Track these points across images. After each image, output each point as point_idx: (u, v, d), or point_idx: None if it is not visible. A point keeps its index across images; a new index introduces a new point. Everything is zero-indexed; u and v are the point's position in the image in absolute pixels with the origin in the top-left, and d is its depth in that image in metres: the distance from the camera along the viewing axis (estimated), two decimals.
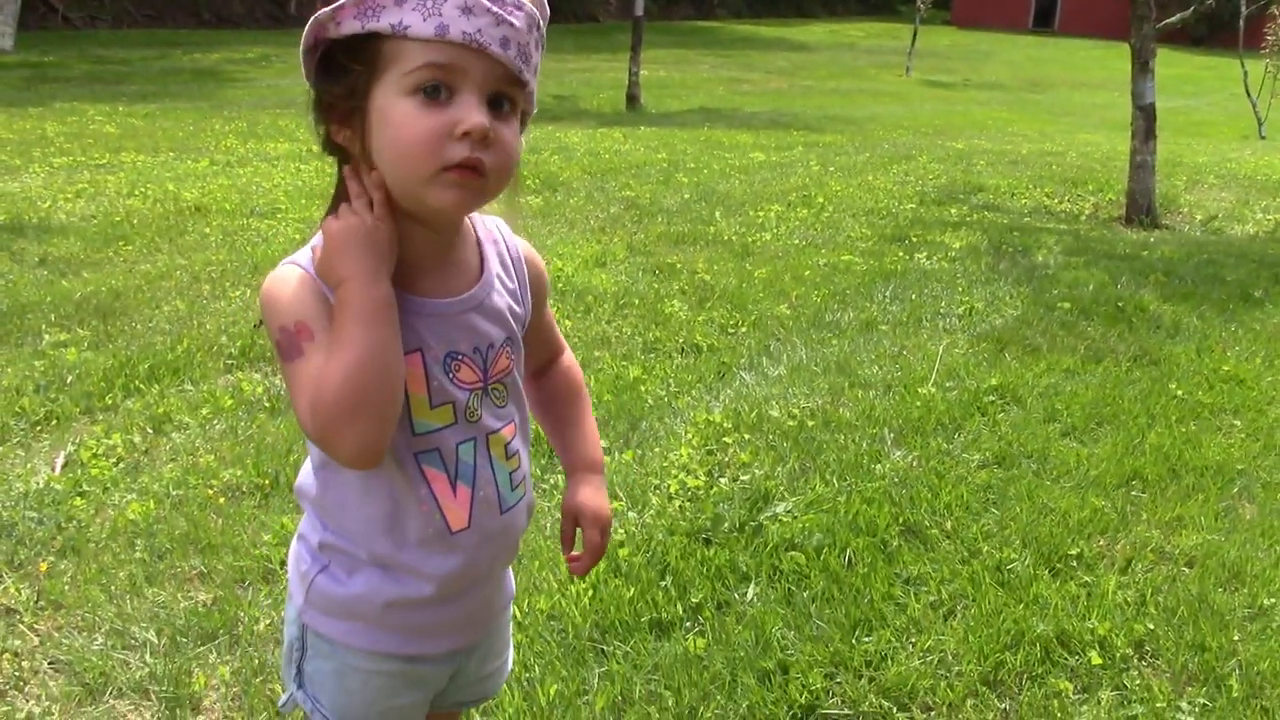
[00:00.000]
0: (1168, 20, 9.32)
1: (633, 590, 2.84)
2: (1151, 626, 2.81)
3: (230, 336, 4.63)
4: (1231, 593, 3.00)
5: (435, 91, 1.24)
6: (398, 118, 1.25)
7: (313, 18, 1.25)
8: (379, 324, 1.26)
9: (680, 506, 3.34)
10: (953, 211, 8.54)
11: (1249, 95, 16.00)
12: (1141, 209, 8.65)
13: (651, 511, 3.31)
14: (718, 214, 7.84)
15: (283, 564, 2.89)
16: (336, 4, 1.23)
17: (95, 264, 5.79)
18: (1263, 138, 15.75)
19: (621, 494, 3.40)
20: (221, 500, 3.24)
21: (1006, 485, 3.58)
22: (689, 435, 3.87)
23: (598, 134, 12.27)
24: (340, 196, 1.33)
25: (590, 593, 2.82)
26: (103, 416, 3.87)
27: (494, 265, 1.44)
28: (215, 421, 3.84)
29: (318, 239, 1.32)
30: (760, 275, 6.09)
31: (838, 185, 9.33)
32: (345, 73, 1.27)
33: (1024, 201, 9.33)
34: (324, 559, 1.43)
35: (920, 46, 26.61)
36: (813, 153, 11.45)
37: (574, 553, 1.61)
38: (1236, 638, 2.78)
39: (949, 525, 3.29)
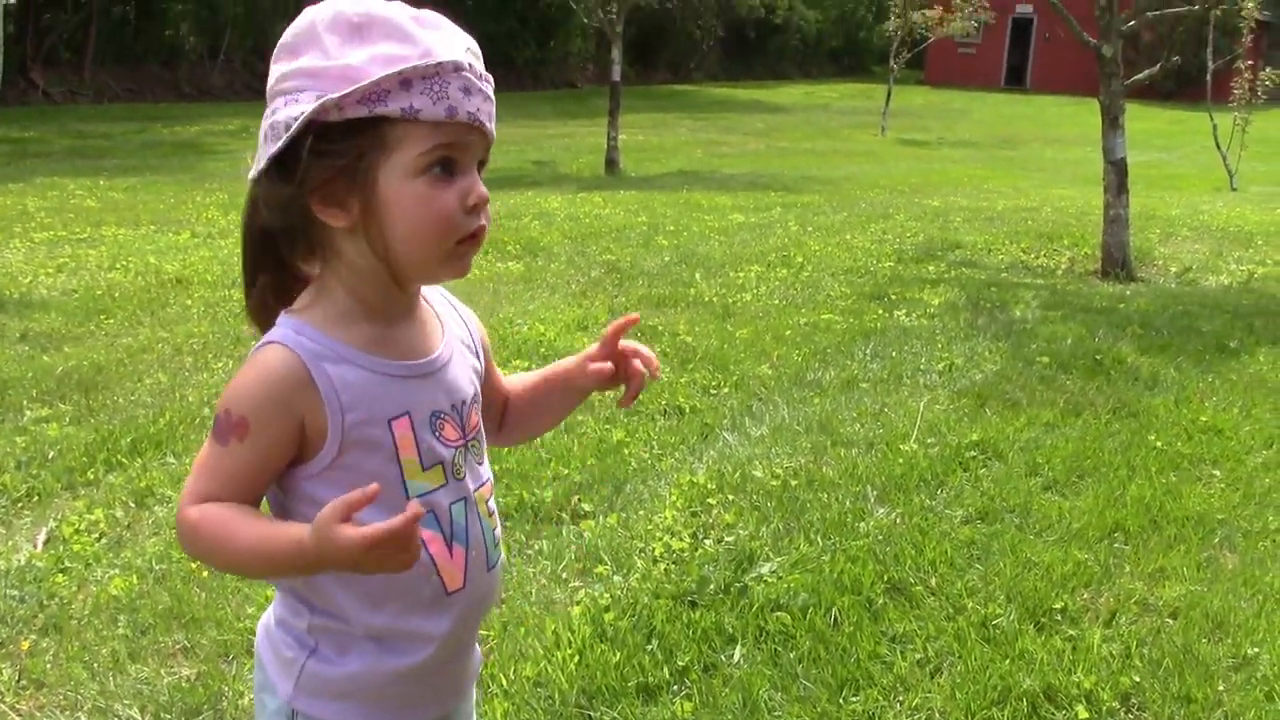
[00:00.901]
0: (1136, 77, 9.48)
1: (619, 655, 2.83)
2: (1137, 679, 2.82)
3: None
4: (1216, 643, 3.02)
5: (446, 169, 1.29)
6: (412, 198, 1.28)
7: (318, 103, 1.23)
8: (276, 570, 1.34)
9: (665, 569, 3.35)
10: (931, 269, 8.61)
11: (1219, 148, 16.21)
12: (1117, 262, 8.74)
13: (637, 575, 3.31)
14: (698, 276, 7.89)
15: None
16: (343, 92, 1.23)
17: (77, 338, 5.79)
18: (1234, 189, 15.94)
19: (606, 558, 3.40)
20: (204, 574, 3.23)
21: (990, 540, 3.59)
22: (673, 497, 3.88)
23: (578, 198, 12.36)
24: (262, 289, 1.38)
25: (576, 659, 2.82)
26: (85, 492, 3.86)
27: (451, 322, 1.48)
28: None
29: (303, 323, 1.33)
30: (741, 336, 6.13)
31: (816, 245, 9.41)
32: (334, 154, 1.27)
33: (1001, 257, 9.42)
34: (311, 642, 1.40)
35: (894, 106, 26.92)
36: (791, 213, 11.55)
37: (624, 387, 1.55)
38: (1222, 688, 2.79)
39: (934, 582, 3.30)
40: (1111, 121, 8.82)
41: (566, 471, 4.06)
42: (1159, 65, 9.73)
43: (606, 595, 3.16)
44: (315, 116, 1.24)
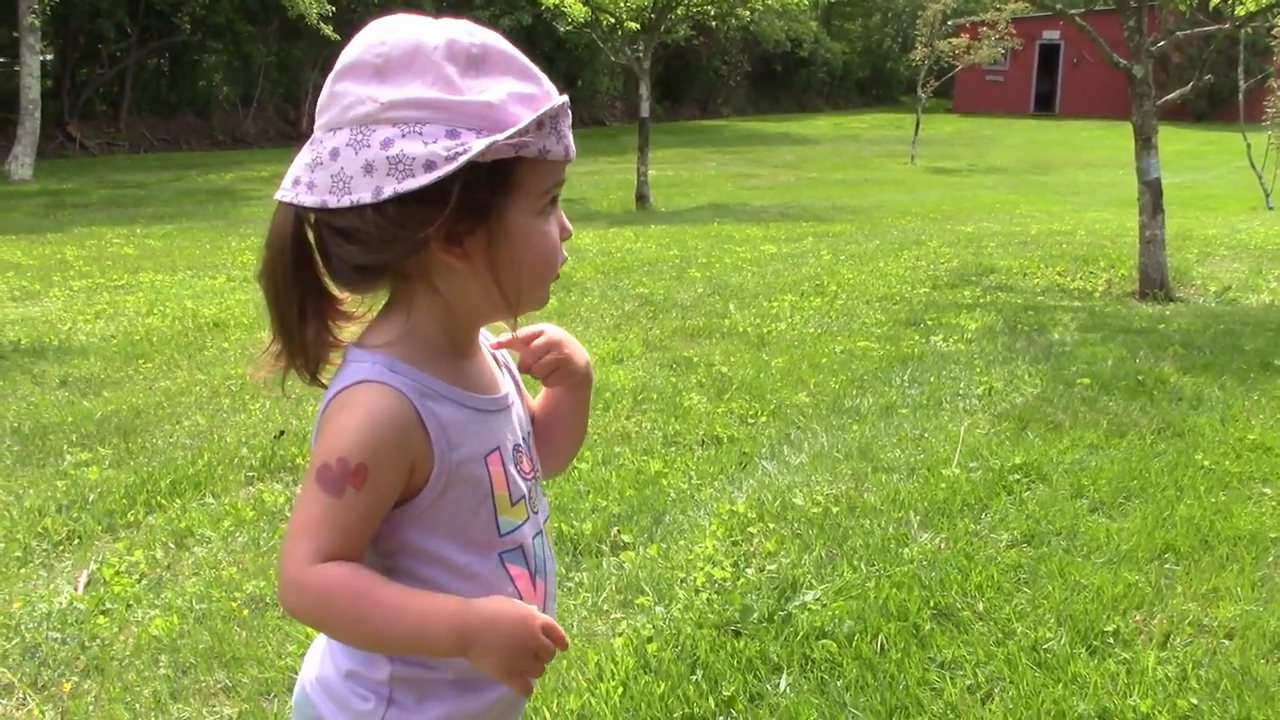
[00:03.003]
0: (1168, 97, 9.42)
1: (663, 686, 2.79)
2: (1195, 701, 2.74)
3: (251, 449, 4.63)
4: (1274, 663, 2.94)
5: (554, 204, 1.31)
6: (535, 233, 1.28)
7: (484, 144, 1.19)
8: (412, 646, 1.27)
9: (708, 599, 3.30)
10: (966, 294, 8.56)
11: (1254, 167, 16.08)
12: (1155, 283, 8.65)
13: (679, 605, 3.27)
14: (732, 306, 7.87)
15: None
16: (506, 135, 1.20)
17: (115, 383, 5.83)
18: (1270, 208, 15.80)
19: (648, 589, 3.36)
20: (245, 613, 3.22)
21: (1037, 564, 3.53)
22: (713, 527, 3.84)
23: (609, 234, 12.38)
24: (313, 319, 1.31)
25: (620, 690, 2.78)
26: (125, 534, 3.86)
27: (491, 355, 1.46)
28: (237, 534, 3.83)
29: (392, 358, 1.28)
30: (777, 365, 6.09)
31: (849, 273, 9.37)
32: (476, 193, 1.22)
33: (1036, 281, 9.35)
34: (387, 691, 1.34)
35: (923, 135, 26.91)
36: (823, 242, 11.53)
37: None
38: None
39: (981, 606, 3.24)
40: (1145, 142, 8.76)
41: (605, 503, 4.03)
42: (1191, 84, 9.65)
43: (649, 626, 3.12)
44: (475, 159, 1.19)
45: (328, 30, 21.93)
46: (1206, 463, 4.46)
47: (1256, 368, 6.00)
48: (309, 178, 1.23)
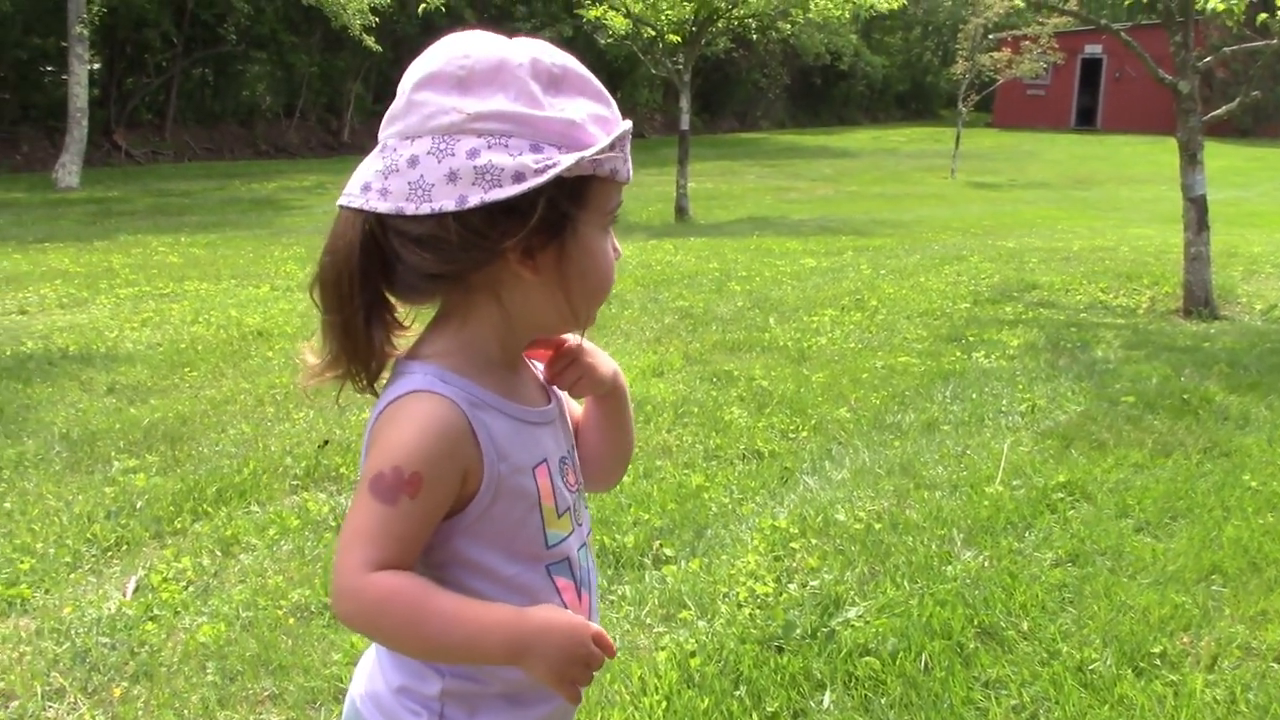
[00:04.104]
0: (1214, 112, 9.34)
1: (707, 701, 2.79)
2: None
3: (295, 457, 4.68)
4: None
5: (611, 225, 1.35)
6: (600, 251, 1.32)
7: (573, 160, 1.22)
8: (466, 655, 1.28)
9: (750, 614, 3.30)
10: (1008, 310, 8.51)
11: None
12: (1199, 301, 8.57)
13: (721, 620, 3.27)
14: (772, 320, 7.87)
15: None
16: (592, 151, 1.23)
17: (162, 391, 5.90)
18: None
19: (690, 603, 3.37)
20: (291, 621, 3.25)
21: (1082, 583, 3.51)
22: (755, 542, 3.84)
23: (648, 246, 12.39)
24: (370, 327, 1.30)
25: (664, 704, 2.78)
26: (172, 540, 3.91)
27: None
28: (283, 542, 3.86)
29: (444, 369, 1.29)
30: (818, 380, 6.08)
31: (890, 288, 9.34)
32: (559, 208, 1.25)
33: (1079, 298, 9.28)
34: (438, 706, 1.34)
35: (964, 149, 26.78)
36: (863, 256, 11.50)
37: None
38: None
39: (1026, 626, 3.23)
40: (1190, 158, 8.68)
41: (647, 516, 4.04)
42: (1237, 100, 9.57)
43: (692, 640, 3.13)
44: (561, 173, 1.22)
45: (370, 41, 22.12)
46: (1254, 483, 4.41)
47: None
48: (381, 184, 1.23)
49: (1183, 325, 8.18)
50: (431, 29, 31.86)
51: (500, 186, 1.20)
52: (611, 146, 1.25)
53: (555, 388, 1.46)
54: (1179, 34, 8.79)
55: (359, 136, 30.53)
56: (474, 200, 1.20)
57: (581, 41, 28.48)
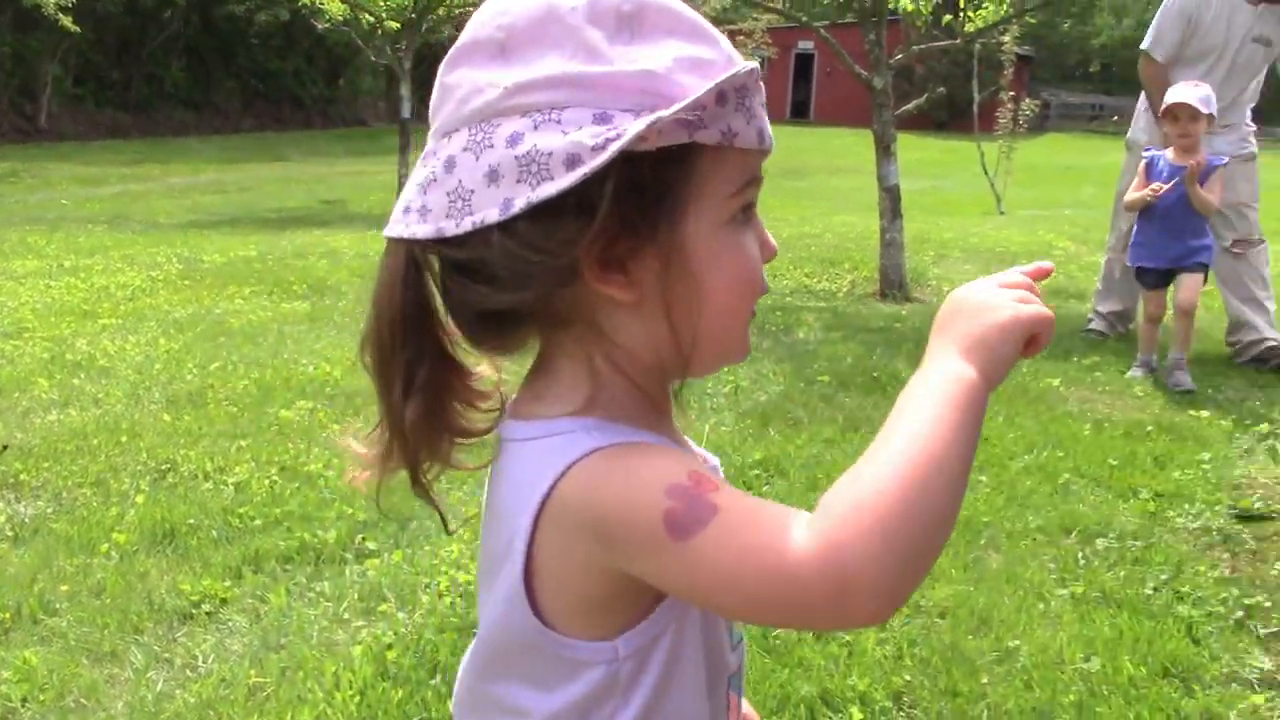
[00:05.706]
0: (904, 107, 9.94)
1: (401, 692, 2.78)
2: (908, 678, 2.93)
3: None
4: (980, 638, 3.16)
5: (746, 211, 0.99)
6: (728, 253, 0.97)
7: (639, 125, 0.87)
8: (973, 432, 0.92)
9: (450, 603, 3.32)
10: None
11: (986, 174, 17.11)
12: (894, 284, 9.11)
13: (421, 610, 3.27)
14: None
15: (24, 701, 2.73)
16: (672, 110, 0.88)
17: None
18: (1001, 213, 16.79)
19: (390, 595, 3.35)
20: None
21: None
22: (459, 529, 3.85)
23: (367, 236, 12.19)
24: (423, 389, 0.99)
25: (358, 699, 2.75)
26: None
27: None
28: None
29: (594, 420, 0.97)
30: None
31: None
32: (639, 197, 0.92)
33: (786, 282, 9.70)
34: None
35: None
36: None
37: None
38: (985, 681, 2.92)
39: None
40: (884, 150, 9.20)
41: (351, 510, 3.98)
42: (925, 96, 10.25)
43: (390, 633, 3.11)
44: (632, 146, 0.87)
45: (66, 21, 20.85)
46: None
47: None
48: (421, 201, 0.94)
49: (878, 307, 8.68)
50: (136, 11, 30.25)
51: (550, 179, 0.88)
52: (723, 98, 0.91)
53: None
54: (873, 32, 9.29)
55: (58, 121, 28.73)
56: (519, 203, 0.89)
57: (300, 25, 27.65)
